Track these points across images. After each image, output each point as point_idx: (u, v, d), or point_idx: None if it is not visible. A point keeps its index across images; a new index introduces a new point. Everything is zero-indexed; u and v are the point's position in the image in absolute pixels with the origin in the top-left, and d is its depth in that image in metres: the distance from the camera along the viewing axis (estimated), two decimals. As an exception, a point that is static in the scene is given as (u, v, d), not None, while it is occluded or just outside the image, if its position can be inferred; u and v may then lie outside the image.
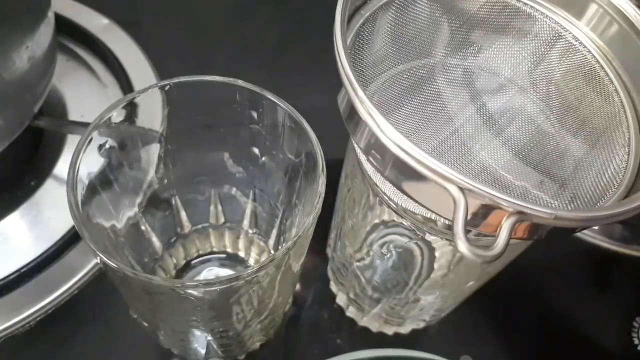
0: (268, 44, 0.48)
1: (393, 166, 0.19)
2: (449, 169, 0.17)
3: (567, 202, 0.23)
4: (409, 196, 0.19)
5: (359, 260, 0.29)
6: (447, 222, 0.21)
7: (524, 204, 0.17)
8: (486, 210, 0.17)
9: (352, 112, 0.19)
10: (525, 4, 0.25)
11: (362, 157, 0.23)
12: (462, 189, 0.17)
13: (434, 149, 0.24)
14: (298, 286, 0.30)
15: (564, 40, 0.25)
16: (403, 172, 0.18)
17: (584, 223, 0.18)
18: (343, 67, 0.19)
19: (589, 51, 0.24)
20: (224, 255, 0.34)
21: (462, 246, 0.17)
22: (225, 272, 0.33)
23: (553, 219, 0.17)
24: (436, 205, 0.19)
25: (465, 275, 0.26)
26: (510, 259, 0.25)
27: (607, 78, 0.24)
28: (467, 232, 0.17)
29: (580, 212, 0.18)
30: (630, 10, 0.23)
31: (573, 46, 0.25)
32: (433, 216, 0.22)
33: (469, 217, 0.17)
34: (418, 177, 0.18)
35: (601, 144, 0.23)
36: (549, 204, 0.23)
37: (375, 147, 0.19)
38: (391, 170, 0.19)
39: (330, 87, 0.21)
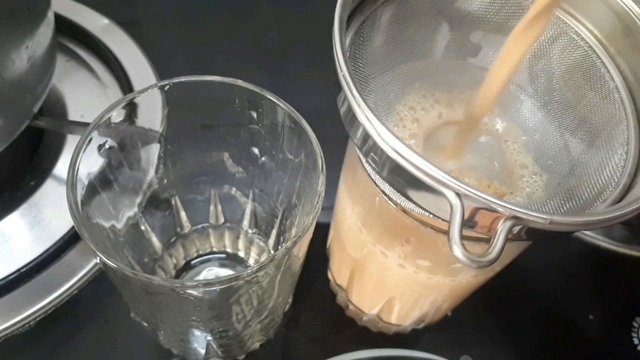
0: (268, 44, 0.48)
1: (391, 169, 0.19)
2: (446, 174, 0.17)
3: (563, 200, 0.23)
4: (407, 198, 0.19)
5: (358, 260, 0.29)
6: (444, 221, 0.21)
7: (520, 209, 0.17)
8: (482, 214, 0.18)
9: (351, 115, 0.19)
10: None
11: (362, 158, 0.23)
12: (458, 194, 0.17)
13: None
14: (298, 286, 0.30)
15: (565, 36, 0.25)
16: (401, 175, 0.18)
17: (579, 228, 0.18)
18: (342, 71, 0.19)
19: (590, 47, 0.24)
20: (223, 255, 0.34)
21: (458, 251, 0.17)
22: (225, 272, 0.33)
23: (549, 224, 0.17)
24: (434, 207, 0.19)
25: (465, 275, 0.26)
26: (509, 260, 0.25)
27: (607, 74, 0.24)
28: (462, 237, 0.17)
29: (576, 217, 0.18)
30: (633, 7, 0.23)
31: (574, 41, 0.24)
32: (431, 217, 0.22)
33: (465, 219, 0.17)
34: (415, 180, 0.18)
35: (600, 142, 0.23)
36: (545, 203, 0.23)
37: (374, 150, 0.19)
38: (389, 173, 0.19)
39: (330, 87, 0.21)
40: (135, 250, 0.29)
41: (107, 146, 0.25)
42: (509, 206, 0.17)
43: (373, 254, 0.27)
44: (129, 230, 0.28)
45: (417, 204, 0.20)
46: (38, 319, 0.32)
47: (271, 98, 0.25)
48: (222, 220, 0.33)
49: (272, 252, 0.33)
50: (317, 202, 0.22)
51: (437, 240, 0.23)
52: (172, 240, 0.32)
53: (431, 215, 0.21)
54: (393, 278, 0.28)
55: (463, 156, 0.24)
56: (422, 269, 0.25)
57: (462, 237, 0.17)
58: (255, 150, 0.29)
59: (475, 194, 0.17)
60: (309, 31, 0.42)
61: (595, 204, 0.21)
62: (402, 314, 0.31)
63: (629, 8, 0.23)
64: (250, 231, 0.33)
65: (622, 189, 0.21)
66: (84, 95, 0.41)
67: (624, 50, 0.24)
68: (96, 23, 0.45)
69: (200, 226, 0.33)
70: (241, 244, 0.34)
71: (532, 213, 0.17)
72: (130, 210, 0.29)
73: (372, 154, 0.19)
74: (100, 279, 0.33)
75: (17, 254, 0.33)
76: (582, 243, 0.38)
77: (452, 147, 0.24)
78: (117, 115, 0.25)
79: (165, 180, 0.30)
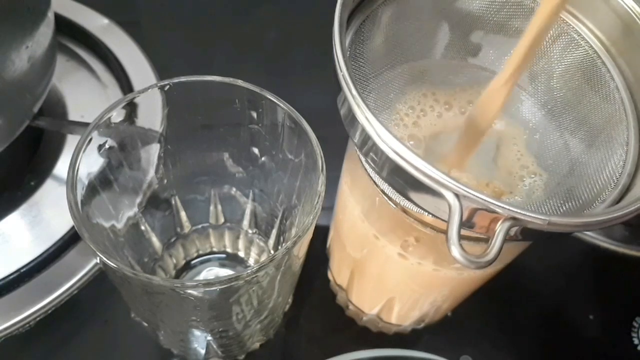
0: (268, 44, 0.48)
1: (390, 170, 0.19)
2: (445, 175, 0.17)
3: (562, 200, 0.23)
4: (406, 198, 0.19)
5: (358, 260, 0.29)
6: (444, 221, 0.21)
7: (518, 210, 0.17)
8: (481, 214, 0.18)
9: (351, 116, 0.19)
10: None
11: (362, 158, 0.23)
12: (457, 195, 0.17)
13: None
14: (298, 286, 0.30)
15: (566, 35, 0.25)
16: (400, 176, 0.18)
17: (578, 228, 0.18)
18: (342, 72, 0.19)
19: (591, 47, 0.24)
20: (223, 255, 0.34)
21: (456, 252, 0.17)
22: (225, 272, 0.33)
23: (547, 225, 0.17)
24: (433, 207, 0.19)
25: (465, 275, 0.26)
26: (510, 260, 0.25)
27: (608, 74, 0.24)
28: (461, 237, 0.17)
29: (575, 218, 0.18)
30: (635, 7, 0.23)
31: (575, 41, 0.24)
32: (430, 217, 0.22)
33: (464, 220, 0.17)
34: (414, 181, 0.18)
35: (600, 142, 0.23)
36: (545, 203, 0.23)
37: (373, 150, 0.19)
38: (389, 174, 0.19)
39: (331, 87, 0.21)
40: (135, 250, 0.29)
41: (107, 146, 0.25)
42: (508, 207, 0.17)
43: (374, 251, 0.27)
44: (129, 230, 0.28)
45: (416, 204, 0.20)
46: (38, 319, 0.32)
47: (271, 98, 0.25)
48: (222, 220, 0.33)
49: (272, 252, 0.33)
50: (317, 202, 0.23)
51: (437, 239, 0.23)
52: (172, 240, 0.32)
53: (430, 215, 0.21)
54: (395, 275, 0.28)
55: (465, 166, 0.24)
56: (426, 264, 0.25)
57: (461, 237, 0.17)
58: (255, 150, 0.29)
59: (473, 195, 0.17)
60: (309, 31, 0.42)
61: (594, 204, 0.21)
62: (402, 314, 0.31)
63: (630, 8, 0.23)
64: (250, 231, 0.33)
65: (621, 189, 0.21)
66: (84, 95, 0.41)
67: (625, 51, 0.24)
68: (96, 23, 0.45)
69: (200, 226, 0.33)
70: (241, 244, 0.34)
71: (530, 214, 0.17)
72: (130, 210, 0.29)
73: (371, 154, 0.19)
74: (100, 279, 0.33)
75: (17, 254, 0.33)
76: (582, 243, 0.38)
77: (453, 158, 0.24)
78: (117, 115, 0.25)
79: (165, 180, 0.30)
